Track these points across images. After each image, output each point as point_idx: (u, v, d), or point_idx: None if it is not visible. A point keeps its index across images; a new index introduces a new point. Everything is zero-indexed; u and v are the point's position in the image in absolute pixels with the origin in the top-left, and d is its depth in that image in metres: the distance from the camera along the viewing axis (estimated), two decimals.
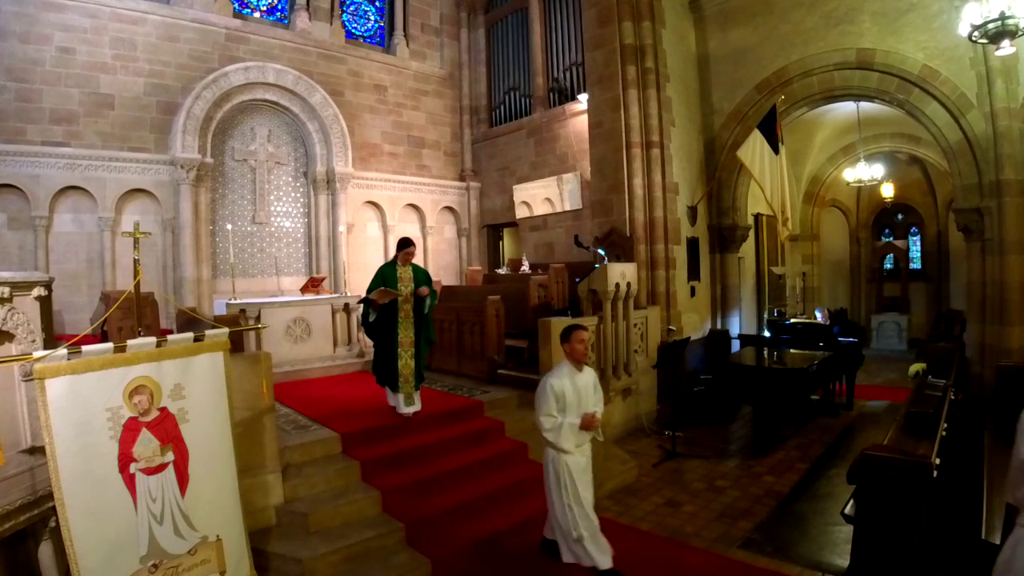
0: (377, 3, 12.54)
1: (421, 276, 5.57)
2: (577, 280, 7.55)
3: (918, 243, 13.47)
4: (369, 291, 5.38)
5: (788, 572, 3.90)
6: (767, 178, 7.84)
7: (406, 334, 5.46)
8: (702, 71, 9.37)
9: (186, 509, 3.06)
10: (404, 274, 5.48)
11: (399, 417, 5.54)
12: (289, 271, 10.87)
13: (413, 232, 12.55)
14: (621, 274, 6.93)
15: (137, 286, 3.74)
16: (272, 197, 10.79)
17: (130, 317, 5.55)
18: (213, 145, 9.84)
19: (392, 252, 11.96)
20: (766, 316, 10.83)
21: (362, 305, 5.63)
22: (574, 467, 3.78)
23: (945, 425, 4.18)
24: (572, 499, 3.75)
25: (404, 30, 12.57)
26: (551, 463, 3.83)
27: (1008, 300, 6.67)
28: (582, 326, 4.03)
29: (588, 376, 3.97)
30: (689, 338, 7.68)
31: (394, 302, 5.40)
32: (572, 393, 3.80)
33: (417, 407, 5.52)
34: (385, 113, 12.14)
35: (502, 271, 11.55)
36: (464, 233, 13.24)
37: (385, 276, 5.41)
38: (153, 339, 3.06)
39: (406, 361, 5.45)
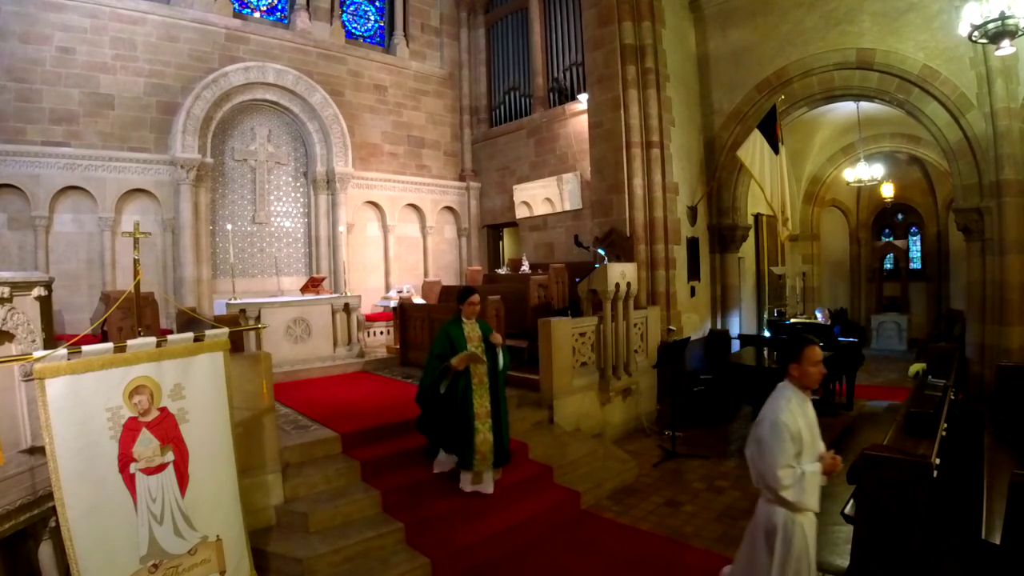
0: (377, 3, 12.54)
1: (488, 331, 4.79)
2: (577, 280, 7.55)
3: (918, 243, 13.47)
4: (435, 354, 4.55)
5: None
6: (767, 178, 7.83)
7: (481, 403, 4.58)
8: (702, 71, 9.37)
9: (186, 509, 3.06)
10: (472, 332, 4.65)
11: (466, 496, 4.66)
12: (289, 271, 10.87)
13: (413, 232, 12.57)
14: (621, 274, 6.93)
15: (137, 286, 3.74)
16: (272, 197, 10.80)
17: (130, 317, 5.54)
18: (213, 145, 9.84)
19: (392, 252, 12.10)
20: (766, 316, 10.83)
21: (425, 374, 4.71)
22: (811, 530, 2.85)
23: (945, 425, 4.18)
24: (807, 573, 2.83)
25: (404, 30, 12.57)
26: (781, 529, 2.81)
27: (1008, 300, 6.67)
28: (814, 340, 2.93)
29: (810, 405, 2.94)
30: (689, 338, 7.67)
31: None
32: (807, 430, 2.81)
33: (489, 489, 4.66)
34: (385, 113, 12.14)
35: (502, 271, 11.55)
36: (464, 233, 13.24)
37: (451, 337, 4.58)
38: (153, 339, 3.06)
39: (484, 436, 4.54)
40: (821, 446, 2.87)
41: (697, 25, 9.37)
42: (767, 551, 2.85)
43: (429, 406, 4.67)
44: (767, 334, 9.61)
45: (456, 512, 4.52)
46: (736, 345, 9.15)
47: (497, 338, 4.74)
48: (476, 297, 4.76)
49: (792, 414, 2.75)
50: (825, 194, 12.97)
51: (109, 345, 2.91)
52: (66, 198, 8.74)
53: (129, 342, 2.96)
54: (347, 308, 8.45)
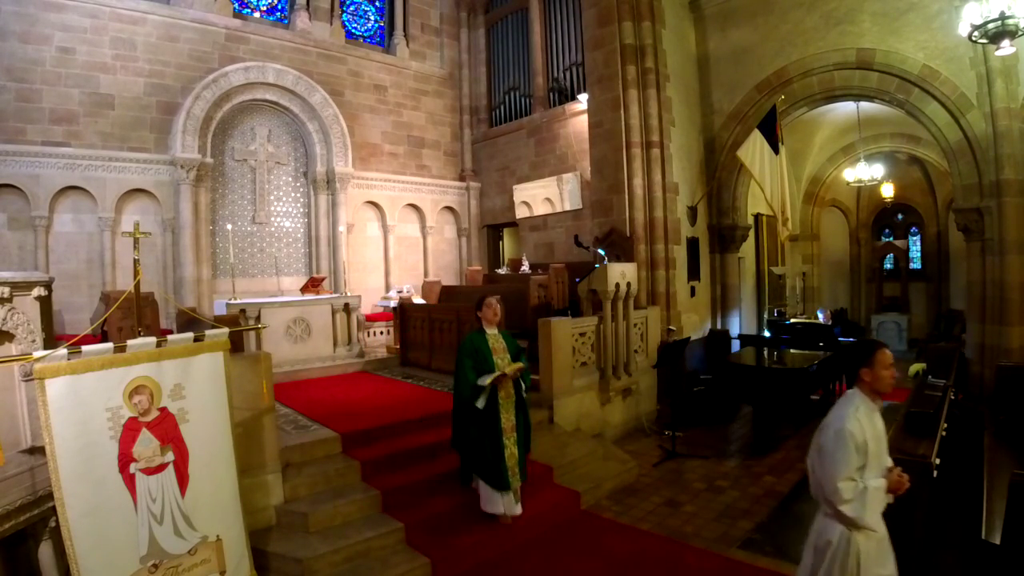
0: (377, 3, 12.55)
1: (513, 345, 4.55)
2: (577, 280, 7.55)
3: (918, 243, 13.46)
4: (464, 368, 4.29)
5: (788, 572, 3.89)
6: (767, 178, 7.83)
7: (508, 417, 4.38)
8: (702, 71, 9.37)
9: (186, 509, 3.06)
10: (496, 343, 4.40)
11: (498, 525, 4.44)
12: (289, 271, 10.87)
13: (413, 232, 12.57)
14: (621, 274, 6.93)
15: (137, 286, 3.74)
16: (272, 197, 10.80)
17: (130, 317, 5.54)
18: (213, 145, 9.84)
19: (392, 252, 12.10)
20: (766, 316, 10.83)
21: (459, 388, 4.36)
22: (872, 551, 2.55)
23: (945, 425, 4.18)
24: None
25: (404, 30, 12.57)
26: (834, 547, 2.54)
27: (1008, 300, 6.67)
28: (884, 343, 2.78)
29: (879, 415, 2.70)
30: (689, 338, 7.67)
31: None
32: (874, 442, 2.56)
33: (518, 510, 4.46)
34: (385, 113, 12.15)
35: (502, 271, 11.55)
36: (464, 233, 13.24)
37: (478, 349, 4.33)
38: (153, 339, 3.06)
39: (511, 451, 4.38)
40: (888, 461, 2.65)
41: (697, 25, 9.37)
42: (815, 568, 2.62)
43: (464, 422, 4.37)
44: (767, 334, 9.61)
45: (456, 512, 4.52)
46: (736, 345, 9.15)
47: (513, 367, 4.38)
48: (493, 299, 4.45)
49: (859, 423, 2.54)
50: (825, 194, 12.96)
51: (109, 345, 2.91)
52: (66, 198, 8.75)
53: (129, 342, 2.96)
54: (347, 308, 8.45)
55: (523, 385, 4.45)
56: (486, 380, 4.21)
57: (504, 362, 4.33)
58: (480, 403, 4.23)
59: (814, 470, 2.66)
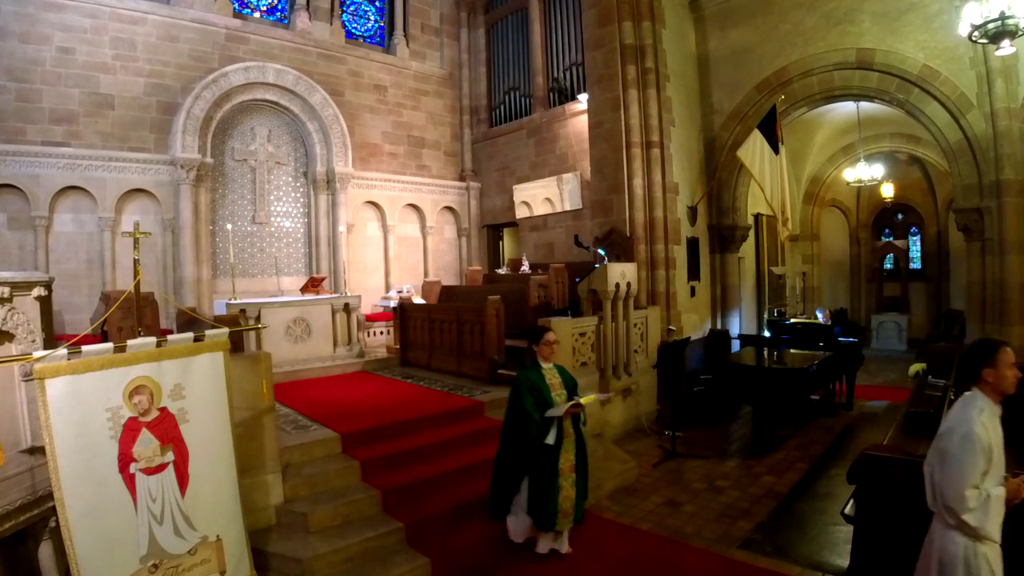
0: (377, 3, 12.55)
1: (569, 379, 4.32)
2: (577, 280, 7.55)
3: (918, 243, 13.47)
4: (525, 404, 3.96)
5: (788, 572, 3.90)
6: (767, 178, 7.84)
7: (567, 458, 4.09)
8: (702, 71, 9.37)
9: (186, 509, 3.06)
10: (553, 379, 4.16)
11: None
12: (289, 271, 10.87)
13: (413, 232, 12.57)
14: (621, 274, 6.93)
15: (137, 286, 3.74)
16: (272, 197, 10.80)
17: (130, 317, 5.54)
18: (213, 145, 9.85)
19: (392, 252, 12.10)
20: (766, 316, 10.83)
21: (518, 426, 4.02)
22: (998, 567, 2.38)
23: None
24: None
25: (404, 30, 12.57)
26: (962, 563, 2.36)
27: (1008, 300, 6.67)
28: (1005, 341, 2.60)
29: (999, 420, 2.50)
30: (689, 338, 7.67)
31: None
32: (997, 448, 2.39)
33: (566, 548, 4.20)
34: (385, 113, 12.15)
35: (502, 271, 11.56)
36: (464, 233, 13.24)
37: (536, 386, 4.04)
38: (153, 339, 3.06)
39: (567, 492, 4.09)
40: (1003, 468, 2.44)
41: (697, 25, 9.37)
42: None
43: (517, 462, 4.04)
44: (767, 334, 9.61)
45: (456, 512, 4.52)
46: (736, 345, 9.15)
47: (589, 399, 4.21)
48: (552, 335, 4.17)
49: (984, 426, 2.36)
50: (825, 194, 12.97)
51: (109, 345, 2.91)
52: (66, 198, 8.75)
53: (129, 342, 2.96)
54: (347, 308, 8.45)
55: (582, 419, 4.18)
56: (558, 410, 3.91)
57: (561, 398, 4.07)
58: (551, 439, 3.92)
59: (933, 477, 2.47)
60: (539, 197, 11.66)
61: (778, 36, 8.43)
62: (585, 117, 9.32)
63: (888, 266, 13.78)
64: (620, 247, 8.20)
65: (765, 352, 7.95)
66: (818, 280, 13.40)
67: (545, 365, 4.19)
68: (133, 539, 2.84)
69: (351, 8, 12.17)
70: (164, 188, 9.36)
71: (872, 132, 10.89)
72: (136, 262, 3.76)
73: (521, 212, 12.06)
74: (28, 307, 3.00)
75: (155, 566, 2.90)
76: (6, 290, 2.85)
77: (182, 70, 9.61)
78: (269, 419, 4.32)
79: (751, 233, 10.04)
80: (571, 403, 4.00)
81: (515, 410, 4.07)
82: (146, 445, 2.93)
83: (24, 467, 2.87)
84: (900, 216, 13.59)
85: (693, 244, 8.97)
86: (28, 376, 2.81)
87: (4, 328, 2.87)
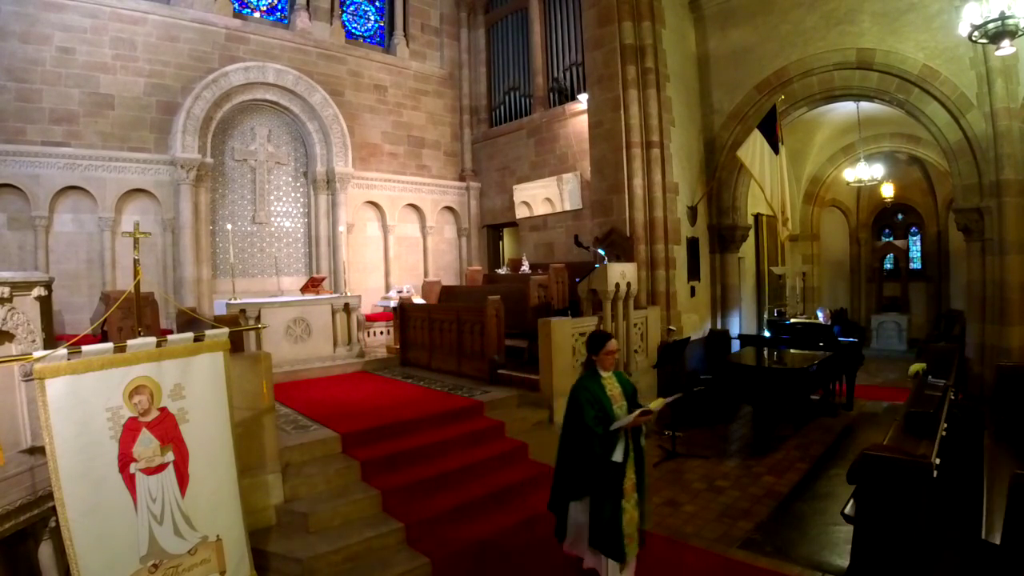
0: (377, 3, 12.55)
1: (629, 387, 3.88)
2: (577, 280, 7.55)
3: (918, 243, 13.46)
4: (586, 418, 3.52)
5: (788, 572, 3.90)
6: (767, 178, 7.84)
7: (629, 476, 3.64)
8: (702, 71, 9.37)
9: (186, 509, 3.06)
10: (613, 388, 3.73)
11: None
12: (289, 271, 10.87)
13: (413, 232, 12.57)
14: (621, 274, 6.93)
15: (137, 286, 3.74)
16: (272, 197, 10.80)
17: (130, 317, 5.54)
18: (213, 145, 9.85)
19: (392, 252, 12.10)
20: (766, 316, 10.83)
21: (578, 443, 3.59)
22: None
23: (945, 425, 4.18)
24: None
25: (404, 30, 12.57)
26: None
27: (1008, 300, 6.67)
28: None
29: None
30: (689, 338, 7.67)
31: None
32: None
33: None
34: (385, 113, 12.15)
35: (502, 271, 11.56)
36: (464, 233, 13.24)
37: (596, 397, 3.63)
38: (153, 339, 3.06)
39: (631, 515, 3.64)
40: None
41: (697, 25, 9.37)
42: None
43: (578, 482, 3.62)
44: (767, 334, 9.61)
45: (456, 512, 4.52)
46: (736, 345, 9.15)
47: (660, 402, 3.72)
48: (614, 343, 3.77)
49: None
50: (825, 194, 12.97)
51: (109, 345, 2.91)
52: (66, 198, 8.75)
53: (129, 342, 2.96)
54: (347, 308, 8.45)
55: (643, 429, 3.74)
56: (623, 421, 3.51)
57: (623, 411, 3.64)
58: (618, 455, 3.51)
59: None
60: (539, 197, 11.66)
61: (778, 36, 8.43)
62: (585, 117, 9.32)
63: (888, 266, 13.78)
64: (620, 247, 8.20)
65: (765, 352, 7.95)
66: (818, 280, 13.40)
67: (604, 374, 3.77)
68: (133, 539, 2.84)
69: (351, 8, 12.17)
70: (164, 188, 9.36)
71: (872, 132, 10.89)
72: (136, 262, 3.76)
73: (521, 212, 12.06)
74: (28, 307, 3.00)
75: (155, 566, 2.90)
76: (6, 290, 2.85)
77: (182, 70, 9.61)
78: (269, 419, 4.33)
79: (751, 233, 10.04)
80: (639, 411, 3.52)
81: (574, 426, 3.63)
82: (146, 445, 2.93)
83: (24, 467, 2.87)
84: (900, 216, 13.58)
85: (693, 244, 8.97)
86: (28, 376, 2.81)
87: (4, 328, 2.87)
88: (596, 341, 3.79)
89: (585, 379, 3.77)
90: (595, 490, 3.56)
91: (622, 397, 3.74)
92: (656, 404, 3.66)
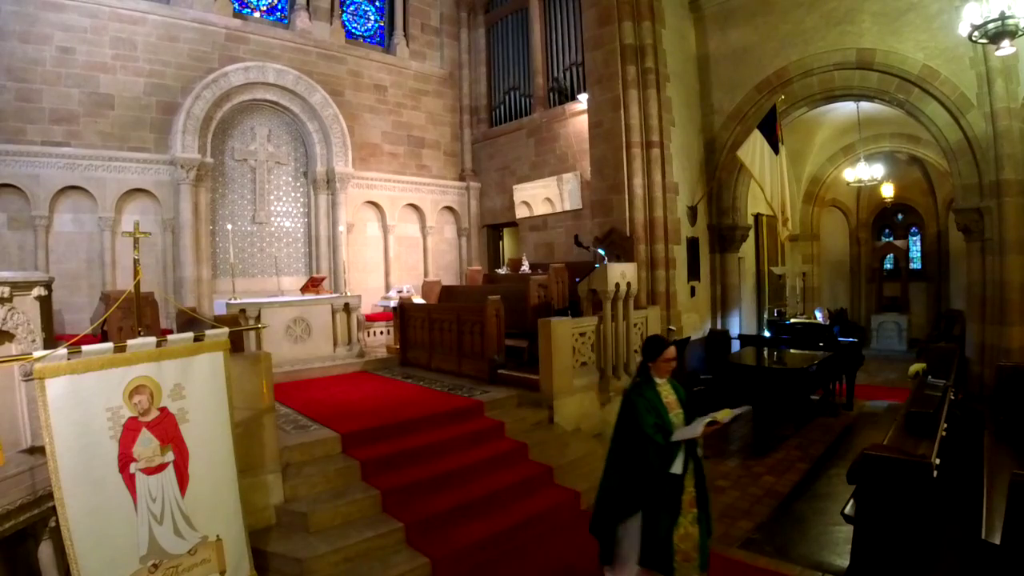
0: (377, 3, 12.54)
1: (683, 394, 3.65)
2: (577, 280, 7.55)
3: (918, 243, 13.47)
4: (645, 427, 3.30)
5: (788, 572, 3.91)
6: (767, 178, 7.84)
7: (688, 489, 3.42)
8: (702, 71, 9.37)
9: (186, 509, 3.06)
10: (668, 396, 3.52)
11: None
12: (289, 271, 10.87)
13: (413, 232, 12.57)
14: (621, 274, 6.93)
15: (137, 286, 3.74)
16: (272, 197, 10.80)
17: (130, 317, 5.54)
18: (213, 145, 9.84)
19: (392, 252, 12.10)
20: (766, 316, 10.83)
21: (632, 456, 3.36)
22: None
23: (945, 425, 4.18)
24: None
25: (404, 30, 12.57)
26: None
27: (1008, 300, 6.67)
28: None
29: None
30: (689, 338, 7.68)
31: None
32: None
33: None
34: (385, 113, 12.14)
35: (502, 271, 11.55)
36: (464, 233, 13.24)
37: (653, 405, 3.41)
38: (153, 339, 3.06)
39: (687, 530, 3.39)
40: None
41: (697, 25, 9.37)
42: None
43: (632, 497, 3.38)
44: (767, 334, 9.61)
45: (456, 512, 4.52)
46: (736, 345, 9.15)
47: (727, 413, 3.41)
48: (673, 351, 3.55)
49: None
50: (825, 194, 12.97)
51: (109, 345, 2.91)
52: (66, 198, 8.75)
53: (129, 342, 2.96)
54: (347, 308, 8.45)
55: (700, 442, 3.46)
56: (692, 431, 3.28)
57: (679, 419, 3.46)
58: (678, 467, 3.28)
59: None
60: (539, 197, 11.66)
61: (778, 36, 8.43)
62: (585, 117, 9.32)
63: (888, 266, 13.78)
64: (620, 247, 8.20)
65: (765, 352, 7.95)
66: (818, 280, 13.40)
67: (659, 381, 3.55)
68: (133, 539, 2.84)
69: (351, 8, 12.17)
70: (164, 188, 9.36)
71: (872, 132, 10.89)
72: (136, 262, 3.77)
73: (521, 212, 12.06)
74: (28, 307, 3.00)
75: (155, 566, 2.90)
76: (6, 290, 2.85)
77: (182, 70, 9.61)
78: (269, 419, 4.33)
79: (751, 233, 10.04)
80: (706, 421, 3.28)
81: (628, 436, 3.39)
82: (146, 445, 2.93)
83: (24, 467, 2.87)
84: (900, 216, 13.59)
85: (693, 244, 8.97)
86: (28, 376, 2.81)
87: (4, 328, 2.87)
88: (654, 347, 3.55)
89: (641, 386, 3.54)
90: (651, 504, 3.33)
91: (678, 405, 3.54)
92: (724, 415, 3.39)
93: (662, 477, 3.26)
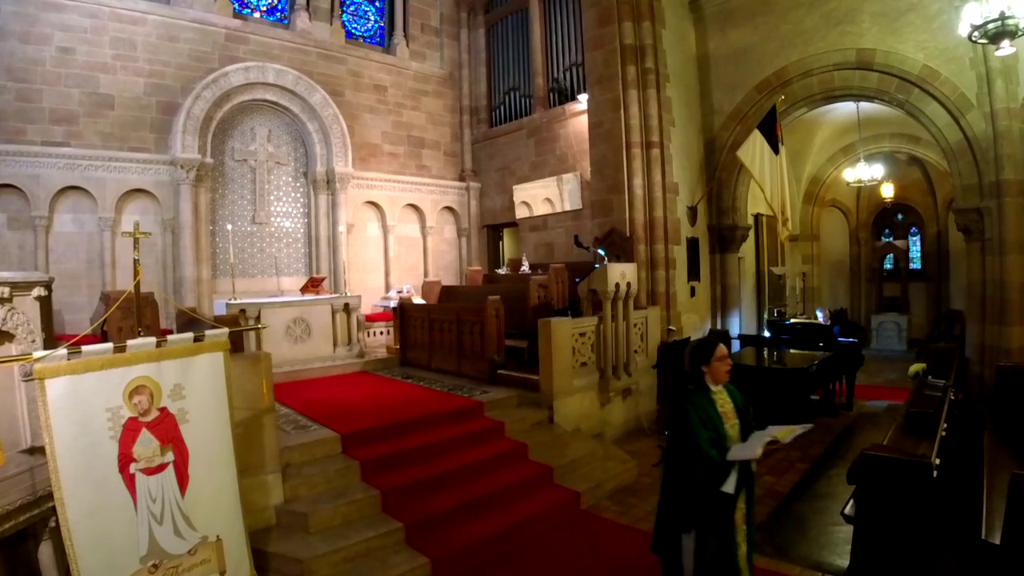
0: (377, 3, 12.55)
1: (741, 401, 3.33)
2: (577, 280, 7.55)
3: (918, 243, 13.47)
4: (699, 440, 3.00)
5: (788, 572, 3.90)
6: (767, 178, 7.84)
7: (739, 507, 3.17)
8: (702, 71, 9.37)
9: (186, 509, 3.06)
10: (724, 404, 3.21)
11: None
12: (289, 271, 10.87)
13: (413, 232, 12.57)
14: (621, 274, 6.93)
15: (137, 286, 3.74)
16: (272, 197, 10.80)
17: (130, 317, 5.54)
18: (213, 145, 9.84)
19: (392, 252, 12.10)
20: (766, 316, 10.83)
21: (684, 471, 3.10)
22: None
23: (945, 425, 4.18)
24: None
25: (404, 30, 12.57)
26: None
27: (1008, 300, 6.67)
28: None
29: None
30: (689, 338, 7.66)
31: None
32: None
33: None
34: (385, 113, 12.15)
35: (502, 271, 11.55)
36: (464, 233, 13.24)
37: (708, 416, 3.10)
38: (153, 339, 3.06)
39: (743, 549, 3.23)
40: None
41: (697, 25, 9.37)
42: None
43: (686, 515, 3.13)
44: (767, 334, 9.61)
45: (456, 512, 4.52)
46: (736, 345, 9.14)
47: (789, 431, 3.05)
48: (724, 348, 3.23)
49: None
50: (825, 194, 12.97)
51: (109, 345, 2.91)
52: (66, 198, 8.74)
53: (129, 342, 2.96)
54: (347, 308, 8.45)
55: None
56: (750, 451, 2.97)
57: (735, 430, 3.15)
58: (730, 486, 3.01)
59: None
60: (539, 197, 11.66)
61: (778, 36, 8.43)
62: (585, 117, 9.32)
63: (888, 266, 13.78)
64: (620, 247, 8.20)
65: (765, 352, 7.95)
66: (818, 280, 13.40)
67: (714, 388, 3.21)
68: (133, 539, 2.84)
69: (351, 8, 12.17)
70: (164, 188, 9.36)
71: (872, 132, 10.89)
72: (136, 262, 3.76)
73: (521, 212, 12.06)
74: (28, 307, 3.00)
75: (155, 566, 2.90)
76: (6, 290, 2.85)
77: (182, 70, 9.61)
78: (269, 419, 4.33)
79: (751, 233, 10.04)
80: (767, 440, 2.96)
81: (682, 449, 3.12)
82: (146, 445, 2.93)
83: (24, 467, 2.87)
84: (900, 216, 13.59)
85: (693, 244, 8.97)
86: (28, 376, 2.81)
87: (4, 328, 2.87)
88: (702, 350, 3.22)
89: (694, 394, 3.20)
90: (701, 523, 3.08)
91: (735, 415, 3.22)
92: (785, 434, 3.05)
93: (712, 495, 3.00)
